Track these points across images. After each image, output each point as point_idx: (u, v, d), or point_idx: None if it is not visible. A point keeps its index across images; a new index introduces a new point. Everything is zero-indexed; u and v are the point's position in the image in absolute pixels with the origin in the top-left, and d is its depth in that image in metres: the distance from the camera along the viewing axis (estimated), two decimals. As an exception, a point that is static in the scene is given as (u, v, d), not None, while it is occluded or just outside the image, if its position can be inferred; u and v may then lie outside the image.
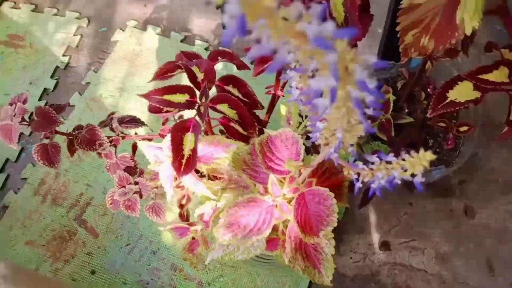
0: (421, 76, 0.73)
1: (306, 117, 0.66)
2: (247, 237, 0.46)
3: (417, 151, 0.84)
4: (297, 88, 0.28)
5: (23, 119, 0.65)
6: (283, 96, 0.67)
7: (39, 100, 1.23)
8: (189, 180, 0.57)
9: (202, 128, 0.52)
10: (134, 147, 0.74)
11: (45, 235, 1.05)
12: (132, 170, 0.69)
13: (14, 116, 0.64)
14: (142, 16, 1.37)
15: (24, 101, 0.65)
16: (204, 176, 0.66)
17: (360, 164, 0.29)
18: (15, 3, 1.43)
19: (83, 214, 1.07)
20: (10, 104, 0.66)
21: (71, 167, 1.13)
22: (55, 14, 1.39)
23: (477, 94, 0.64)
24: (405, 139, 0.81)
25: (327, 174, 0.47)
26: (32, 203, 1.09)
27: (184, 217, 0.69)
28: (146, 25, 1.35)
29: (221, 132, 0.59)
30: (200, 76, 0.50)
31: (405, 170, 0.27)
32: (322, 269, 0.46)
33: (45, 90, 1.25)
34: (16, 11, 1.41)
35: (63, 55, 1.31)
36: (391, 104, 0.77)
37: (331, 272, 0.48)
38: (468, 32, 0.48)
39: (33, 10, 1.41)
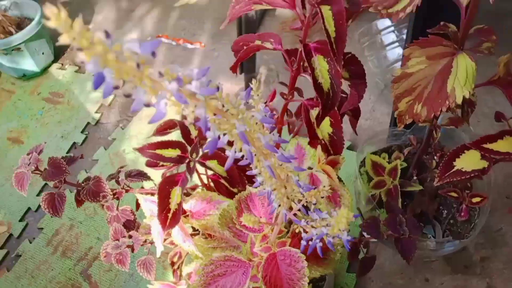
0: (428, 143, 0.71)
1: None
2: (222, 299, 0.44)
3: (428, 221, 0.79)
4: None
5: (36, 168, 0.69)
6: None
7: (67, 153, 1.31)
8: (178, 236, 0.57)
9: (197, 184, 0.53)
10: (138, 203, 0.76)
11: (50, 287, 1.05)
12: (131, 224, 0.70)
13: (28, 165, 0.68)
14: (171, 80, 1.47)
15: (40, 152, 0.69)
16: (198, 233, 0.66)
17: (303, 221, 0.29)
18: (62, 64, 1.58)
19: (89, 268, 1.07)
20: (28, 154, 0.71)
21: (85, 220, 1.15)
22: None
23: (484, 163, 0.62)
24: (415, 208, 0.78)
25: (310, 237, 0.45)
26: (43, 253, 1.11)
27: (177, 276, 0.68)
28: (174, 87, 1.44)
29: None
30: (194, 133, 0.52)
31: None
32: None
33: (74, 144, 1.33)
34: (61, 71, 1.55)
35: (96, 112, 1.40)
36: (399, 171, 0.75)
37: None
38: (459, 100, 0.48)
39: (76, 71, 1.55)
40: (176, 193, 0.49)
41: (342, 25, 0.43)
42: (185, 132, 0.51)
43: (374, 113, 1.24)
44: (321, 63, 0.47)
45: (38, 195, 1.23)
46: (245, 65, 1.29)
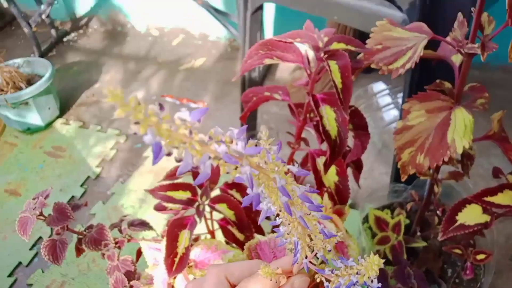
0: (430, 198, 0.73)
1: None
2: None
3: (434, 280, 0.77)
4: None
5: (41, 213, 0.69)
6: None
7: (65, 205, 1.29)
8: (182, 286, 0.56)
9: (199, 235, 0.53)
10: (139, 252, 0.74)
11: None
12: (131, 275, 0.68)
13: (34, 209, 0.68)
14: (173, 137, 1.50)
15: (46, 197, 0.69)
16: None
17: (327, 270, 0.29)
18: (66, 120, 1.63)
19: (78, 331, 1.01)
20: (33, 199, 0.70)
21: (78, 276, 1.11)
22: (98, 131, 1.55)
23: (487, 217, 0.62)
24: (420, 266, 0.76)
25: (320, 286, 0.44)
26: (29, 312, 1.06)
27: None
28: (176, 144, 1.47)
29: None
30: (204, 178, 0.53)
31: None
32: None
33: (72, 197, 1.33)
34: (65, 126, 1.59)
35: (96, 167, 1.41)
36: (403, 226, 0.76)
37: None
38: (459, 150, 0.50)
39: (80, 127, 1.58)
40: (184, 237, 0.49)
41: (348, 77, 0.47)
42: (196, 175, 0.52)
43: (373, 173, 1.27)
44: (328, 112, 0.49)
45: (31, 249, 1.19)
46: (247, 123, 1.34)
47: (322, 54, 0.48)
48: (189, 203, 0.50)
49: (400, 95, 1.20)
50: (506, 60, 0.54)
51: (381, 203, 0.92)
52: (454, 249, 0.73)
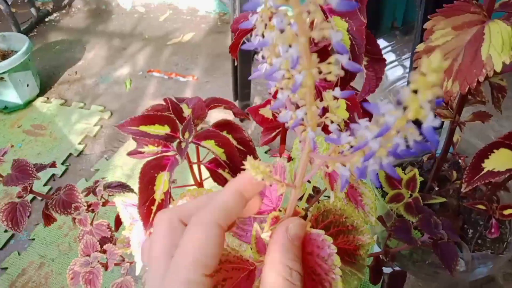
0: (448, 148, 0.64)
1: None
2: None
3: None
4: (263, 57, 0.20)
5: (-3, 174, 0.59)
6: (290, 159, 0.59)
7: (44, 185, 1.19)
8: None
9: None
10: (118, 219, 0.65)
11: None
12: (107, 241, 0.59)
13: (-12, 168, 0.58)
14: (161, 111, 1.40)
15: (3, 154, 0.59)
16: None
17: (344, 135, 0.19)
18: (48, 98, 1.52)
19: (59, 313, 0.92)
20: (-10, 158, 0.61)
21: (58, 257, 1.01)
22: (81, 107, 1.45)
23: (520, 162, 0.54)
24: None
25: (332, 229, 0.35)
26: (4, 296, 0.96)
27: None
28: (164, 118, 1.37)
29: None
30: (187, 112, 0.44)
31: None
32: None
33: (52, 175, 1.22)
34: (46, 104, 1.48)
35: (79, 143, 1.31)
36: (418, 182, 0.67)
37: None
38: (498, 68, 0.41)
39: (62, 104, 1.48)
40: (163, 179, 0.39)
41: (363, -29, 0.37)
42: (177, 109, 0.43)
43: (376, 141, 1.18)
44: (338, 24, 0.40)
45: (6, 231, 1.09)
46: (240, 92, 1.24)
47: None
48: (168, 139, 0.41)
49: (405, 55, 1.11)
50: None
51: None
52: (477, 204, 0.64)
